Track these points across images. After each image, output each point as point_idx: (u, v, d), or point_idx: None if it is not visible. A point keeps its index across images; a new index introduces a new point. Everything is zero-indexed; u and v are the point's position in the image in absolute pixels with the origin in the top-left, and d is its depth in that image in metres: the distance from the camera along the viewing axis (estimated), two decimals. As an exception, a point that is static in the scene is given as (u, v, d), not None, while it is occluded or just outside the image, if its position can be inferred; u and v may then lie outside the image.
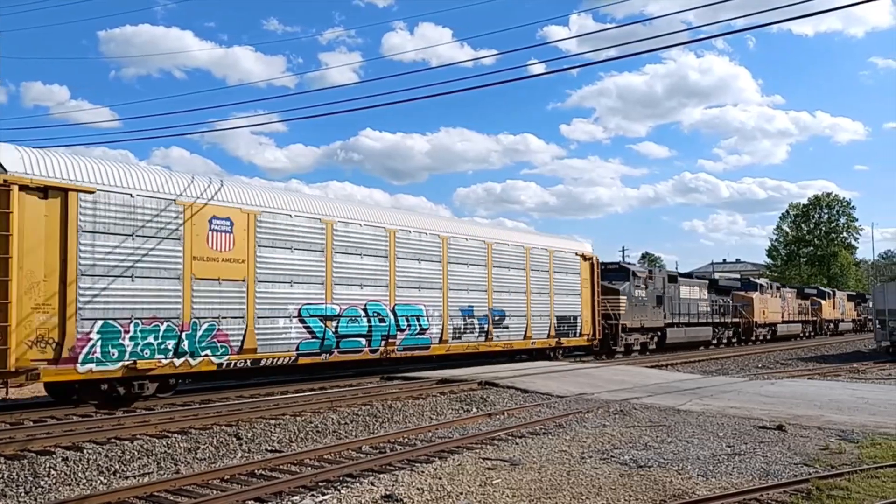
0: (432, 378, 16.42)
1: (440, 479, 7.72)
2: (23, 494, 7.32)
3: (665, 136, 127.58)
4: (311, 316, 15.28)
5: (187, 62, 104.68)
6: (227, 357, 13.58)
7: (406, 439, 10.21)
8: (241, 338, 13.81)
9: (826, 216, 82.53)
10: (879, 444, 9.58)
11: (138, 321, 12.24)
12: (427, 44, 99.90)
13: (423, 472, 8.06)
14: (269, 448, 9.71)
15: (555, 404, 13.36)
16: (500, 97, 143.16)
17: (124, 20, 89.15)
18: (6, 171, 10.93)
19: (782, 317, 41.17)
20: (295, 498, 7.11)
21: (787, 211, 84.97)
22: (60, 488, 7.59)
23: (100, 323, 11.73)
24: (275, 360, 14.54)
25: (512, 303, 21.27)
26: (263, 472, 8.14)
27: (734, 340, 36.49)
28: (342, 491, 7.26)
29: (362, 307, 16.45)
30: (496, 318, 20.63)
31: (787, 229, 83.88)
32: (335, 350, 15.76)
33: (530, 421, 11.57)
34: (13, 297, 10.70)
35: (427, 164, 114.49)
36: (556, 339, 22.99)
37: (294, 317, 14.90)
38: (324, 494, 7.18)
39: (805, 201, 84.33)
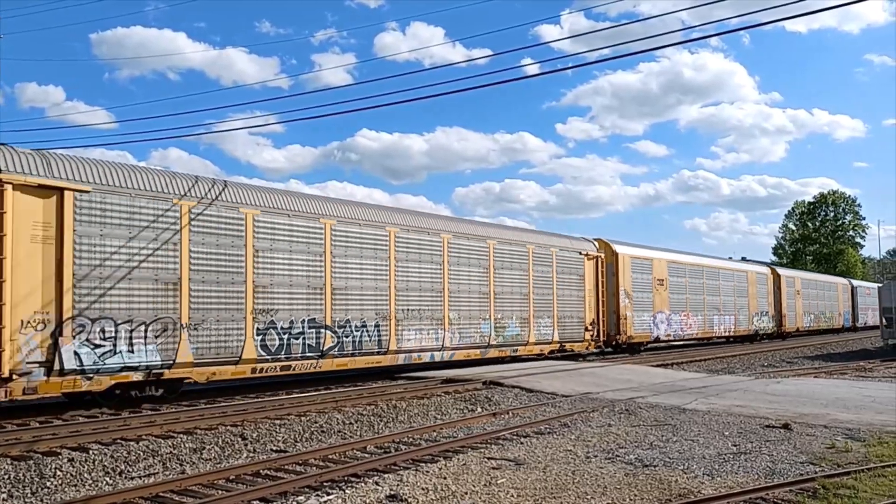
0: (437, 378, 16.43)
1: (445, 478, 7.72)
2: (29, 495, 7.35)
3: (662, 135, 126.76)
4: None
5: (181, 63, 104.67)
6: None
7: (411, 439, 10.22)
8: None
9: (832, 214, 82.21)
10: (887, 442, 9.55)
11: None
12: (419, 44, 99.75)
13: (427, 471, 8.06)
14: (275, 448, 9.73)
15: (559, 404, 13.35)
16: (496, 96, 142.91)
17: (115, 22, 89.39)
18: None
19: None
20: (300, 498, 7.11)
21: (793, 209, 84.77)
22: (66, 489, 7.61)
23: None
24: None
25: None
26: (268, 473, 8.16)
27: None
28: (347, 491, 7.27)
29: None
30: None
31: (793, 227, 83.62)
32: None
33: (535, 420, 11.56)
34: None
35: (425, 163, 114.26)
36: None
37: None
38: (328, 494, 7.19)
39: (809, 199, 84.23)
